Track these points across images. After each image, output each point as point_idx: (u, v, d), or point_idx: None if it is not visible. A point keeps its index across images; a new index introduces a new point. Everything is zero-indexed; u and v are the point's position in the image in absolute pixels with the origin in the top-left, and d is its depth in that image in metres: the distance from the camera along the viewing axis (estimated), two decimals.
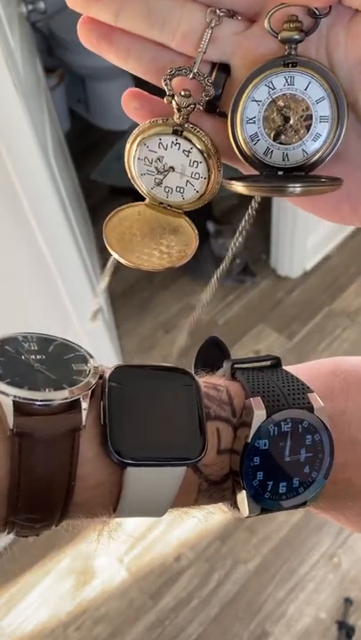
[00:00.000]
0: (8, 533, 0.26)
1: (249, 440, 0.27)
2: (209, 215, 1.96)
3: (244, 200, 0.36)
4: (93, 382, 0.26)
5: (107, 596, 1.37)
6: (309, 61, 0.29)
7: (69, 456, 0.25)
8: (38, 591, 1.38)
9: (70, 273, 1.10)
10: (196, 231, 0.34)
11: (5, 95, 0.79)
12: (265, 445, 0.27)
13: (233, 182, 0.29)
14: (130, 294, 1.92)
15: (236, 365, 0.30)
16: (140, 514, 0.28)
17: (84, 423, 0.25)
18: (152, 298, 1.93)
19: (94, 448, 0.26)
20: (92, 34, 0.30)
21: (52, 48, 2.44)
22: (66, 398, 0.25)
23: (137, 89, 0.32)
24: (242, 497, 0.28)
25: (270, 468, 0.27)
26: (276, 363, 0.31)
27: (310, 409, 0.28)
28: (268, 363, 0.31)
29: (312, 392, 0.29)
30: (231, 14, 0.29)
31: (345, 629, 1.24)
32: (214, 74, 0.30)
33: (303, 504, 0.29)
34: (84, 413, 0.25)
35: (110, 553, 1.43)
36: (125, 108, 0.32)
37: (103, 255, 2.05)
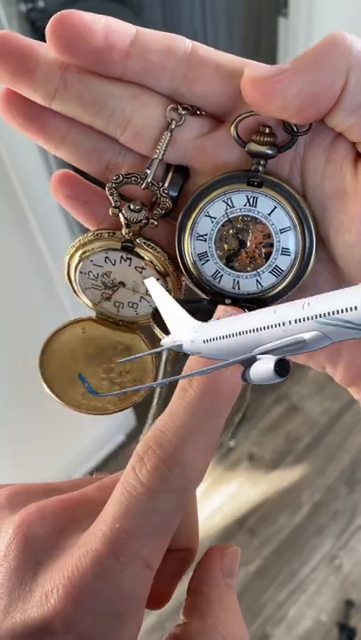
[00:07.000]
0: None
1: None
2: None
3: None
4: None
5: None
6: (278, 183, 0.24)
7: None
8: None
9: None
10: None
11: None
12: None
13: (156, 329, 0.25)
14: None
15: None
16: None
17: None
18: None
19: None
20: (18, 112, 0.24)
21: None
22: None
23: (69, 171, 0.27)
24: None
25: None
26: None
27: None
28: None
29: None
30: (195, 110, 0.24)
31: (346, 632, 1.24)
32: (170, 177, 0.25)
33: None
34: None
35: None
36: (54, 194, 0.27)
37: None
